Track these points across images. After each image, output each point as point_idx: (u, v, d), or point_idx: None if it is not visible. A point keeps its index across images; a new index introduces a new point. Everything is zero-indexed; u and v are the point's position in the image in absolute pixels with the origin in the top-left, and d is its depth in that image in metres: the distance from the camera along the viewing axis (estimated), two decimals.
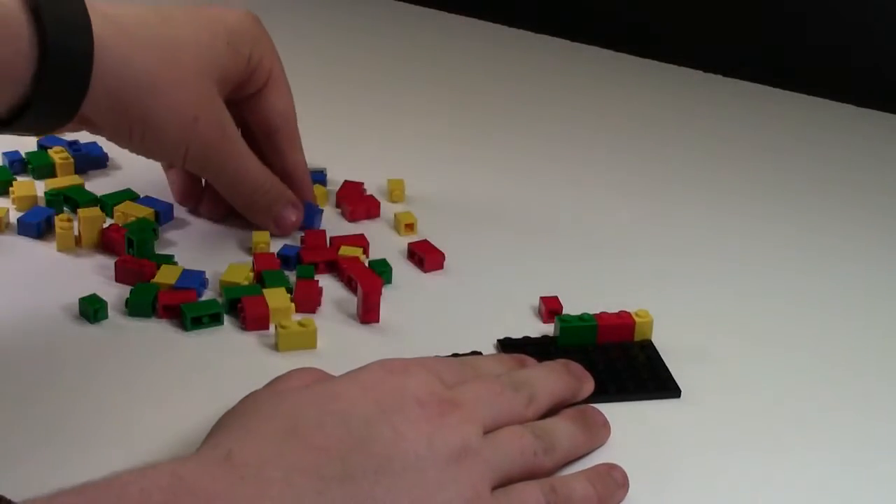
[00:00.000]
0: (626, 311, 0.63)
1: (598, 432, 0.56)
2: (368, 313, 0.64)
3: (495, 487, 0.50)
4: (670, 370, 0.61)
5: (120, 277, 0.66)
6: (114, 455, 0.54)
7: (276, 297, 0.64)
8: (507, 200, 0.79)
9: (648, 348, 0.62)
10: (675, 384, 0.59)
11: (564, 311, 0.65)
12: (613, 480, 0.53)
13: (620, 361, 0.61)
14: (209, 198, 0.72)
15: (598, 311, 0.63)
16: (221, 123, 0.65)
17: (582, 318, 0.62)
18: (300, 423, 0.48)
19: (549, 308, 0.65)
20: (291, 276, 0.67)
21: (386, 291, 0.67)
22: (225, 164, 0.67)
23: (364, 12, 1.09)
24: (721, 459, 0.56)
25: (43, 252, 0.69)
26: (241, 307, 0.63)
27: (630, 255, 0.73)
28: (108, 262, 0.67)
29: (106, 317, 0.63)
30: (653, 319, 0.63)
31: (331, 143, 0.82)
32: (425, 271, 0.70)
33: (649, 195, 0.81)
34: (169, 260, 0.67)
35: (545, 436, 0.53)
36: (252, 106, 0.70)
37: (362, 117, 0.89)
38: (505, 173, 0.82)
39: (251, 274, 0.67)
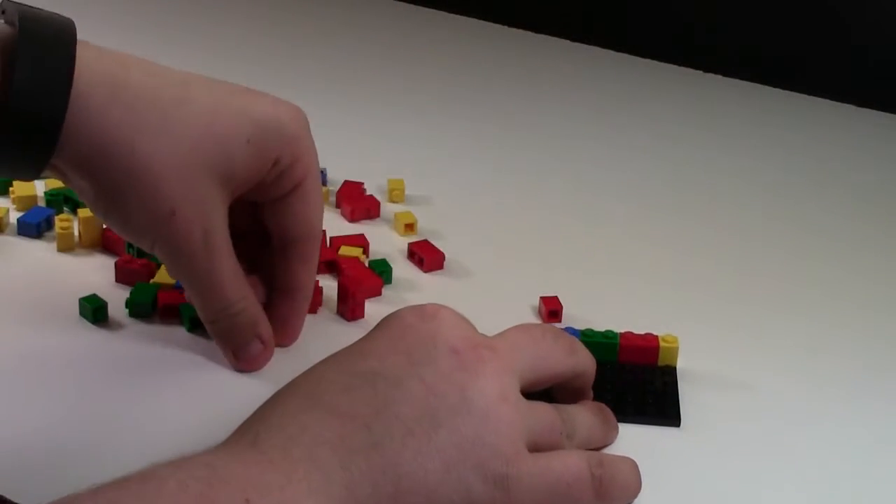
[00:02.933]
0: (652, 334, 0.61)
1: (611, 431, 0.56)
2: (351, 310, 0.64)
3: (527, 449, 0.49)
4: (685, 399, 0.59)
5: (120, 277, 0.66)
6: (113, 455, 0.54)
7: None
8: (507, 200, 0.79)
9: (669, 374, 0.61)
10: (677, 413, 0.58)
11: (565, 313, 0.65)
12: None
13: (632, 383, 0.60)
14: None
15: (600, 314, 0.63)
16: (203, 226, 0.55)
17: (606, 334, 0.61)
18: (325, 391, 0.48)
19: (549, 308, 0.65)
20: None
21: (386, 291, 0.67)
22: (195, 270, 0.57)
23: (364, 12, 1.09)
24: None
25: (43, 252, 0.69)
26: None
27: (633, 255, 0.73)
28: (108, 262, 0.67)
29: (106, 317, 0.63)
30: (678, 346, 0.61)
31: (331, 143, 0.82)
32: (425, 271, 0.70)
33: (648, 195, 0.81)
34: None
35: (569, 421, 0.52)
36: (273, 210, 0.59)
37: (362, 117, 0.89)
38: (505, 173, 0.82)
39: None
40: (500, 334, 0.53)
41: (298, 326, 0.62)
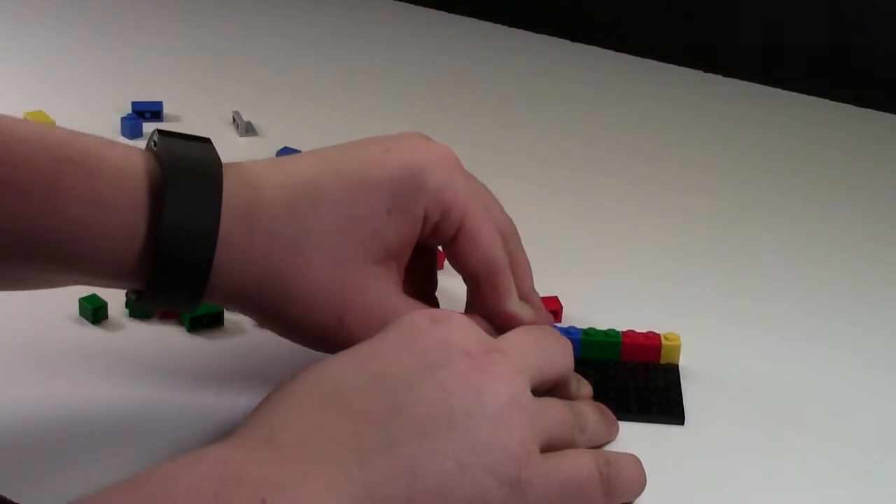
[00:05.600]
0: (654, 332, 0.61)
1: (613, 428, 0.56)
2: None
3: (540, 450, 0.49)
4: (687, 397, 0.59)
5: None
6: (112, 455, 0.54)
7: None
8: (506, 200, 0.79)
9: (671, 373, 0.61)
10: (681, 411, 0.58)
11: (565, 313, 0.65)
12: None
13: (634, 381, 0.60)
14: None
15: (600, 314, 0.63)
16: (379, 312, 0.54)
17: (608, 333, 0.61)
18: (340, 390, 0.48)
19: (549, 308, 0.65)
20: None
21: None
22: None
23: (364, 12, 1.09)
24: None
25: None
26: None
27: (633, 255, 0.73)
28: None
29: (106, 317, 0.63)
30: (681, 344, 0.61)
31: (330, 144, 0.82)
32: None
33: (648, 194, 0.81)
34: None
35: (579, 415, 0.53)
36: (449, 252, 0.58)
37: (362, 118, 0.89)
38: (504, 173, 0.82)
39: None
40: (505, 336, 0.54)
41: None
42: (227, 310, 0.59)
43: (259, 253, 0.53)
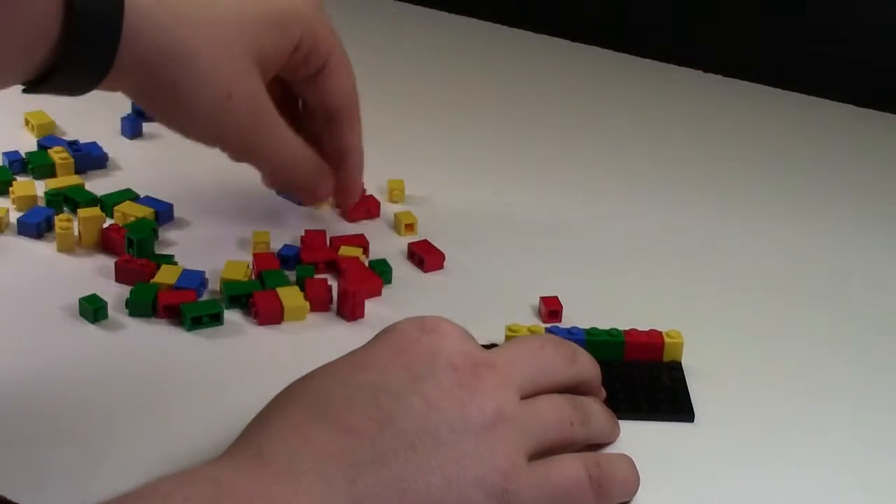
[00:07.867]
0: (656, 330, 0.62)
1: (616, 426, 0.56)
2: (351, 311, 0.64)
3: (531, 456, 0.49)
4: (694, 394, 0.59)
5: (120, 277, 0.66)
6: (113, 454, 0.54)
7: (291, 296, 0.64)
8: (506, 200, 0.79)
9: (676, 370, 0.61)
10: (690, 408, 0.58)
11: (565, 314, 0.65)
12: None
13: (641, 380, 0.60)
14: None
15: (601, 314, 0.63)
16: (257, 100, 0.62)
17: (610, 332, 0.61)
18: (327, 403, 0.48)
19: (549, 308, 0.65)
20: (291, 276, 0.67)
21: (386, 291, 0.67)
22: (262, 143, 0.64)
23: (364, 12, 1.09)
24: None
25: (43, 252, 0.69)
26: (254, 302, 0.63)
27: (633, 254, 0.73)
28: (108, 262, 0.67)
29: (106, 317, 0.63)
30: (683, 341, 0.61)
31: None
32: (425, 271, 0.70)
33: (648, 194, 0.81)
34: (169, 260, 0.67)
35: (581, 407, 0.53)
36: (309, 89, 0.67)
37: (362, 117, 0.89)
38: (505, 173, 0.82)
39: (249, 269, 0.67)
40: (500, 348, 0.54)
41: (356, 187, 0.70)
42: (118, 89, 0.62)
43: (165, 19, 0.58)
